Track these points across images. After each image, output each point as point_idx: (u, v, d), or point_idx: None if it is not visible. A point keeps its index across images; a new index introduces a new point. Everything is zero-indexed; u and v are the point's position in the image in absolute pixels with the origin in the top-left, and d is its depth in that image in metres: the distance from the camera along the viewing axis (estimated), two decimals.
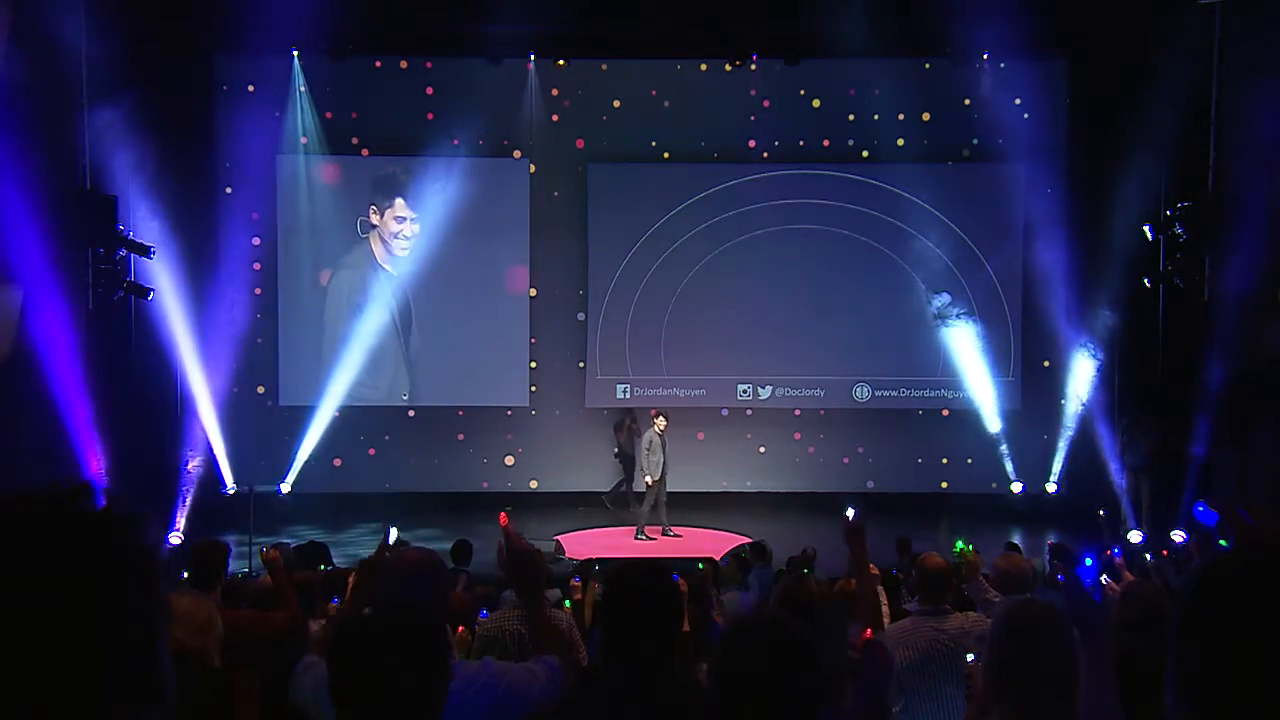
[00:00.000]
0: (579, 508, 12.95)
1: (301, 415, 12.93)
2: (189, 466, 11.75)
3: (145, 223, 11.01)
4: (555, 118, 13.26)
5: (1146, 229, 10.97)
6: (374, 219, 13.12)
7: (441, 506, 12.58)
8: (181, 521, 11.21)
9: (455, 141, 12.83)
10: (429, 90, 13.12)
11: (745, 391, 13.42)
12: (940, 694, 3.75)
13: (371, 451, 13.30)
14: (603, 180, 13.34)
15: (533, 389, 13.43)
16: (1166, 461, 10.64)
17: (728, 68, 13.11)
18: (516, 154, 13.32)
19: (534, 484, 13.45)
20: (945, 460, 13.43)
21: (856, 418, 13.46)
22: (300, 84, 12.90)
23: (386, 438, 13.35)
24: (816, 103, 13.30)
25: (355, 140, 13.14)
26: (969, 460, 13.30)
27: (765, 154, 13.33)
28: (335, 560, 8.16)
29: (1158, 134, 10.62)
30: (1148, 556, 7.34)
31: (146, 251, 10.69)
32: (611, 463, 13.23)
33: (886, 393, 13.39)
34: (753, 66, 13.10)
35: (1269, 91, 9.23)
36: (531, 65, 13.10)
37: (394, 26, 12.22)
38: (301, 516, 12.14)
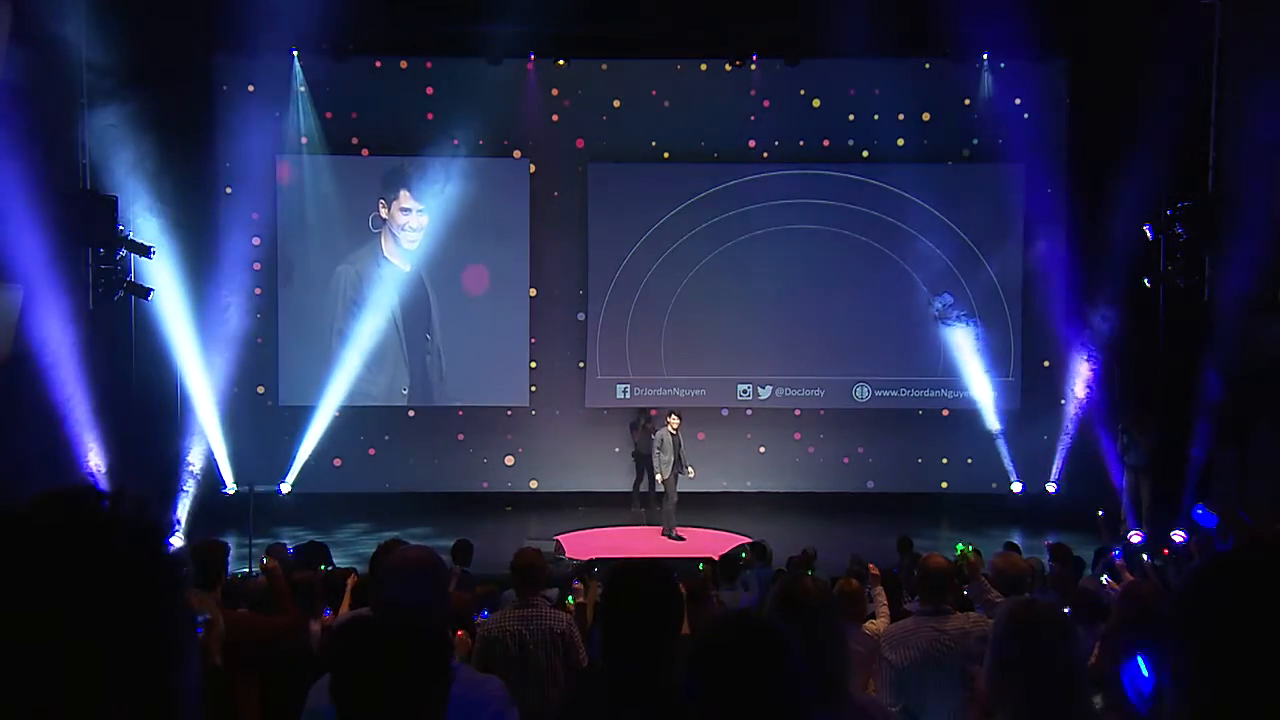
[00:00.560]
0: (579, 508, 12.94)
1: (301, 415, 12.92)
2: (189, 466, 11.75)
3: (145, 223, 11.01)
4: (555, 118, 13.26)
5: (1146, 229, 10.97)
6: (383, 213, 13.13)
7: (441, 506, 12.60)
8: (182, 521, 11.22)
9: (455, 141, 12.83)
10: (429, 90, 13.11)
11: (745, 391, 13.41)
12: (941, 694, 3.76)
13: (371, 451, 13.30)
14: (603, 180, 13.32)
15: (533, 389, 13.43)
16: (1166, 461, 10.64)
17: (728, 68, 13.10)
18: (516, 154, 13.32)
19: (534, 484, 13.45)
20: (945, 460, 13.43)
21: (856, 418, 13.45)
22: (300, 84, 12.90)
23: (386, 438, 13.35)
24: (816, 103, 13.30)
25: (355, 140, 13.13)
26: (969, 460, 13.30)
27: (765, 154, 13.33)
28: (335, 560, 8.16)
29: (1158, 134, 10.61)
30: (1145, 557, 7.34)
31: (146, 251, 10.70)
32: (611, 462, 13.23)
33: (886, 393, 13.38)
34: (753, 66, 13.10)
35: (1269, 91, 9.23)
36: (531, 65, 13.11)
37: (394, 26, 12.21)
38: (301, 516, 12.14)
